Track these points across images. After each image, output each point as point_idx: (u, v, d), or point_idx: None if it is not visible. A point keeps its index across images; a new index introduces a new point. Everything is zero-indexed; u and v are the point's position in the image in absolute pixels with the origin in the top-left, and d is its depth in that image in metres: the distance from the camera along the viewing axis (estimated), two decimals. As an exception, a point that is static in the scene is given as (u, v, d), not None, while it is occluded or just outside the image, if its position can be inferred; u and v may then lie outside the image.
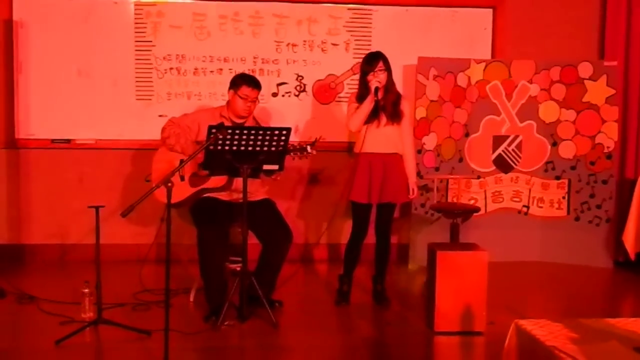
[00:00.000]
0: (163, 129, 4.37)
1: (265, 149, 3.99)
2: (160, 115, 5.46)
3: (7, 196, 5.54)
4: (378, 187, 4.34)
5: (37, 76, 5.48)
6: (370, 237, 4.50)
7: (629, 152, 5.77)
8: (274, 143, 3.99)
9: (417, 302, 4.55)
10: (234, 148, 3.94)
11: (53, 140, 5.53)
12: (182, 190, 4.26)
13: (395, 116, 4.37)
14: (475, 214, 4.87)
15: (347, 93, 5.59)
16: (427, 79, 5.45)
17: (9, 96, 5.46)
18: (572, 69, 5.62)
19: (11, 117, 5.47)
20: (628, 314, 4.56)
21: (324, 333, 4.04)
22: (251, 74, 4.83)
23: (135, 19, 5.53)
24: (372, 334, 4.12)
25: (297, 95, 5.72)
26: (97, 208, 3.76)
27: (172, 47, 5.57)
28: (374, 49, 4.98)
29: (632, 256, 5.37)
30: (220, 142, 3.89)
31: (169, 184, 3.20)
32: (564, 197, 5.75)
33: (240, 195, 4.06)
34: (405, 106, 4.44)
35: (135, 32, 5.53)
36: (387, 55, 4.37)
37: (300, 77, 5.70)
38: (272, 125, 5.16)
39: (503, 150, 5.76)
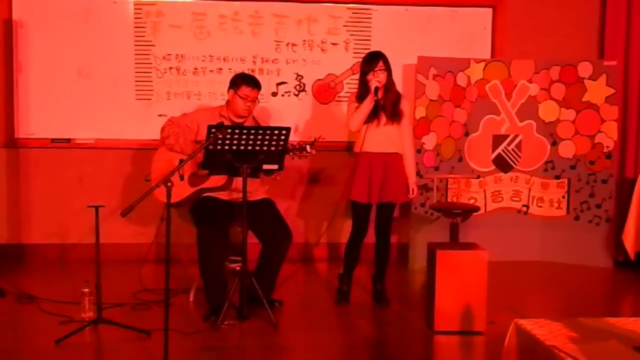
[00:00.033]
0: (162, 129, 4.37)
1: (265, 148, 3.99)
2: (160, 115, 5.46)
3: (7, 196, 5.54)
4: (378, 186, 4.34)
5: (37, 76, 5.48)
6: (370, 237, 4.50)
7: (629, 151, 5.77)
8: (274, 143, 3.99)
9: (417, 302, 4.56)
10: (234, 148, 3.94)
11: (53, 140, 5.53)
12: (182, 190, 4.26)
13: (395, 116, 4.37)
14: (474, 214, 4.87)
15: (346, 93, 5.59)
16: (427, 78, 5.45)
17: (9, 96, 5.46)
18: (571, 68, 5.62)
19: (11, 117, 5.47)
20: (628, 314, 4.56)
21: (324, 332, 4.04)
22: (251, 73, 4.84)
23: (135, 18, 5.53)
24: (372, 334, 4.12)
25: (296, 95, 5.72)
26: (96, 208, 3.76)
27: (171, 46, 5.57)
28: (373, 48, 4.99)
29: (631, 256, 5.38)
30: (219, 141, 3.89)
31: (169, 184, 3.20)
32: (563, 197, 5.76)
33: (240, 195, 4.05)
34: (405, 106, 4.44)
35: (135, 32, 5.53)
36: (387, 55, 4.37)
37: (300, 77, 5.70)
38: (272, 124, 5.15)
39: (503, 150, 5.76)
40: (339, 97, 5.73)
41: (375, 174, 4.34)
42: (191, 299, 4.52)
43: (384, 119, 4.35)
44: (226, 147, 3.93)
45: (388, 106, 4.36)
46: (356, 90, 4.49)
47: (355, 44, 5.70)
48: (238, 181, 4.18)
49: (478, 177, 5.73)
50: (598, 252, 5.65)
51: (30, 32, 5.45)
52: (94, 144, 5.56)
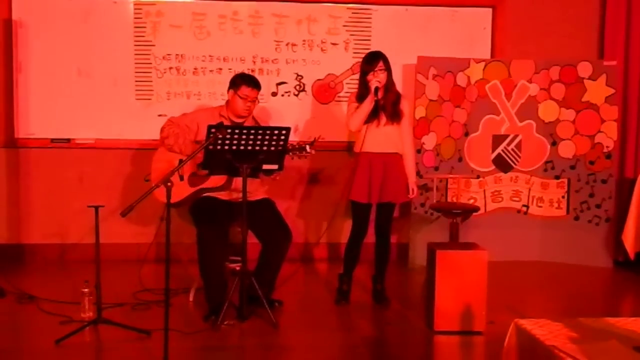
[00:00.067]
0: (162, 129, 4.37)
1: (265, 148, 3.99)
2: (159, 115, 5.46)
3: (6, 196, 5.54)
4: (378, 186, 4.34)
5: (37, 76, 5.48)
6: (370, 237, 4.51)
7: (629, 151, 5.77)
8: (274, 143, 3.99)
9: (417, 302, 4.55)
10: (234, 148, 3.94)
11: (53, 140, 5.53)
12: (182, 190, 4.26)
13: (395, 116, 4.37)
14: (474, 214, 4.87)
15: (346, 93, 5.59)
16: (427, 78, 5.45)
17: (9, 96, 5.46)
18: (571, 68, 5.62)
19: (11, 117, 5.47)
20: (628, 314, 4.56)
21: (324, 332, 4.04)
22: (251, 73, 4.84)
23: (135, 18, 5.53)
24: (371, 334, 4.13)
25: (296, 95, 5.72)
26: (96, 208, 3.76)
27: (171, 46, 5.57)
28: (373, 48, 4.99)
29: (631, 256, 5.38)
30: (219, 141, 3.89)
31: (169, 184, 3.20)
32: (563, 197, 5.76)
33: (240, 195, 4.05)
34: (405, 106, 4.44)
35: (135, 32, 5.53)
36: (387, 55, 4.37)
37: (300, 77, 5.70)
38: (272, 125, 5.16)
39: (502, 150, 5.76)
40: (339, 97, 5.73)
41: (375, 174, 4.34)
42: (191, 299, 4.52)
43: (384, 119, 4.35)
44: (226, 147, 3.93)
45: (388, 106, 4.36)
46: (356, 90, 4.49)
47: (355, 44, 5.70)
48: (238, 181, 4.18)
49: (478, 177, 5.73)
50: (598, 252, 5.65)
51: (30, 32, 5.45)
52: (93, 144, 5.56)
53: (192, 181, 4.30)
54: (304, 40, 5.68)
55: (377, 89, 4.27)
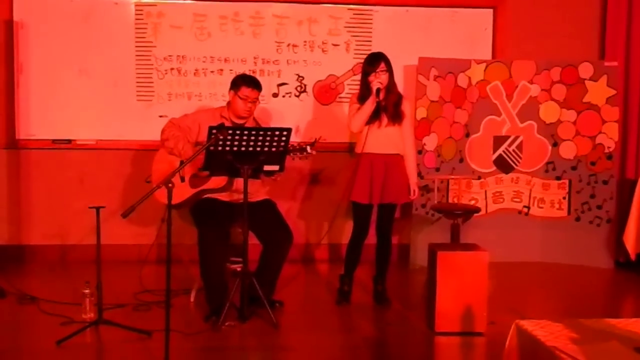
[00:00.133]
0: (162, 131, 4.37)
1: (266, 149, 3.99)
2: (160, 116, 5.46)
3: (7, 196, 5.55)
4: (379, 187, 4.34)
5: (38, 77, 5.49)
6: (371, 238, 4.50)
7: (630, 152, 5.77)
8: (275, 143, 3.99)
9: (418, 303, 4.55)
10: (235, 149, 3.94)
11: (54, 141, 5.53)
12: (183, 191, 4.26)
13: (396, 117, 4.37)
14: (475, 215, 4.86)
15: (347, 93, 5.59)
16: (428, 79, 5.45)
17: (10, 97, 5.46)
18: (572, 69, 5.62)
19: (12, 118, 5.47)
20: (629, 315, 4.56)
21: (325, 333, 4.04)
22: (252, 74, 4.83)
23: (136, 19, 5.53)
24: (372, 334, 4.12)
25: (297, 96, 5.72)
26: (97, 208, 3.76)
27: (172, 47, 5.58)
28: (374, 49, 4.98)
29: (632, 256, 5.38)
30: (220, 142, 3.89)
31: (170, 185, 3.20)
32: (564, 198, 5.75)
33: (241, 196, 4.05)
34: (406, 107, 4.44)
35: (136, 33, 5.54)
36: (388, 56, 4.37)
37: (301, 78, 5.70)
38: (273, 125, 5.16)
39: (503, 151, 5.76)
40: (340, 98, 5.73)
41: (377, 174, 4.34)
42: (192, 299, 4.52)
43: (385, 120, 4.35)
44: (227, 148, 3.93)
45: (389, 107, 4.37)
46: (357, 91, 4.49)
47: (356, 45, 5.71)
48: (239, 182, 4.18)
49: (479, 178, 5.73)
50: (599, 253, 5.65)
51: (31, 33, 5.45)
52: (94, 145, 5.57)
53: (193, 182, 4.30)
54: (304, 41, 5.68)
55: (378, 90, 4.27)
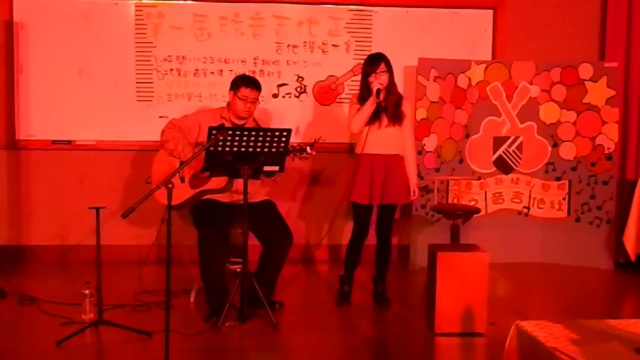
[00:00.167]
0: (163, 132, 4.37)
1: (266, 150, 3.99)
2: (160, 117, 5.46)
3: (7, 197, 5.55)
4: (379, 188, 4.34)
5: (38, 77, 5.49)
6: (371, 238, 4.50)
7: (630, 153, 5.77)
8: (275, 144, 3.99)
9: (418, 303, 4.55)
10: (235, 149, 3.94)
11: (53, 141, 5.54)
12: (183, 192, 4.26)
13: (396, 117, 4.37)
14: (475, 215, 4.85)
15: (347, 94, 5.59)
16: (428, 80, 5.45)
17: (10, 97, 5.46)
18: (572, 70, 5.62)
19: (12, 118, 5.48)
20: (629, 315, 4.56)
21: (325, 334, 4.04)
22: (252, 75, 4.84)
23: (136, 20, 5.53)
24: (372, 335, 4.12)
25: (297, 97, 5.72)
26: (97, 209, 3.76)
27: (172, 48, 5.58)
28: (374, 50, 4.99)
29: (632, 257, 5.38)
30: (220, 143, 3.89)
31: (170, 186, 3.20)
32: (564, 198, 5.75)
33: (241, 197, 4.05)
34: (406, 107, 4.44)
35: (136, 33, 5.54)
36: (388, 56, 4.37)
37: (301, 78, 5.70)
38: (273, 126, 5.17)
39: (503, 152, 5.76)
40: (340, 98, 5.73)
41: (377, 175, 4.34)
42: (192, 300, 4.52)
43: (385, 120, 4.35)
44: (227, 149, 3.93)
45: (390, 108, 4.37)
46: (357, 91, 4.50)
47: (356, 45, 5.71)
48: (239, 183, 4.19)
49: (479, 178, 5.73)
50: (599, 254, 5.65)
51: (31, 34, 5.45)
52: (94, 146, 5.57)
53: (193, 183, 4.30)
54: (304, 42, 5.68)
55: (378, 90, 4.27)
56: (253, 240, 4.19)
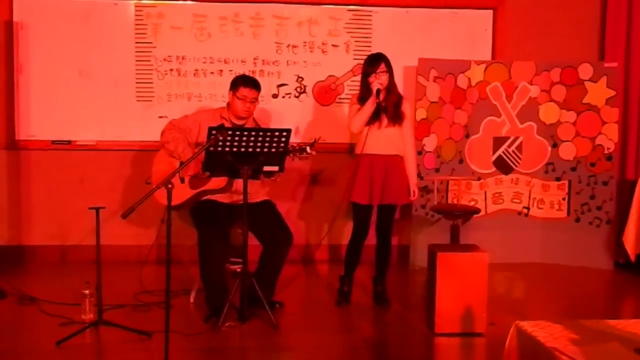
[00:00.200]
0: (163, 133, 4.36)
1: (266, 150, 3.99)
2: (160, 117, 5.46)
3: (7, 197, 5.54)
4: (379, 188, 4.34)
5: (38, 77, 5.49)
6: (371, 238, 4.50)
7: (629, 153, 5.77)
8: (274, 144, 3.99)
9: (418, 303, 4.55)
10: (234, 149, 3.94)
11: (53, 142, 5.53)
12: (182, 192, 4.26)
13: (396, 118, 4.37)
14: (475, 215, 4.85)
15: (347, 94, 5.59)
16: (428, 80, 5.45)
17: (10, 97, 5.46)
18: (572, 70, 5.62)
19: (11, 118, 5.47)
20: (629, 316, 4.56)
21: (325, 334, 4.04)
22: (251, 75, 4.84)
23: (136, 20, 5.53)
24: (372, 335, 4.12)
25: (297, 97, 5.72)
26: (97, 209, 3.76)
27: (172, 48, 5.58)
28: (374, 50, 4.99)
29: (632, 257, 5.38)
30: (220, 143, 3.89)
31: (169, 186, 3.20)
32: (564, 199, 5.75)
33: (241, 197, 4.05)
34: (406, 108, 4.44)
35: (136, 34, 5.54)
36: (388, 57, 4.37)
37: (301, 79, 5.70)
38: (272, 126, 5.17)
39: (503, 152, 5.76)
40: (340, 99, 5.73)
41: (377, 175, 4.34)
42: (192, 300, 4.52)
43: (385, 120, 4.35)
44: (227, 149, 3.93)
45: (390, 108, 4.37)
46: (357, 92, 4.50)
47: (356, 45, 5.71)
48: (238, 183, 4.18)
49: (479, 179, 5.73)
50: (599, 254, 5.65)
51: (30, 34, 5.45)
52: (94, 146, 5.57)
53: (193, 183, 4.30)
54: (304, 42, 5.68)
55: (378, 90, 4.27)
56: (253, 240, 4.19)
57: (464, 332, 3.91)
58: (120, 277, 4.98)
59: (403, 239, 5.75)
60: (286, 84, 5.70)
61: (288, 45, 5.67)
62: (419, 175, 5.11)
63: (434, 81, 5.48)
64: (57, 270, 5.39)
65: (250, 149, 3.96)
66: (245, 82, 4.35)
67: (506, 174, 5.78)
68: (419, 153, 5.33)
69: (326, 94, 5.75)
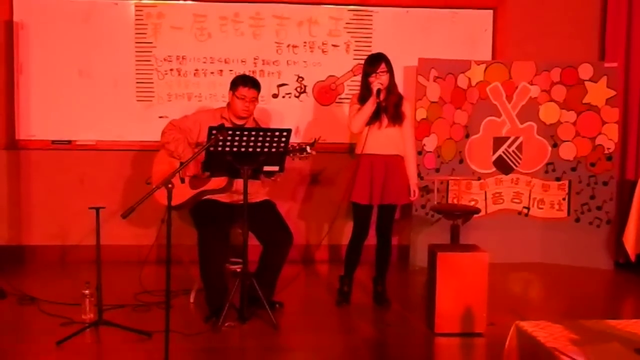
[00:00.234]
0: (163, 133, 4.36)
1: (266, 150, 3.99)
2: (160, 117, 5.46)
3: (7, 197, 5.55)
4: (379, 188, 4.34)
5: (38, 77, 5.49)
6: (371, 238, 4.50)
7: (630, 153, 5.77)
8: (275, 144, 3.99)
9: (418, 303, 4.55)
10: (235, 149, 3.94)
11: (53, 141, 5.53)
12: (183, 192, 4.26)
13: (396, 118, 4.37)
14: (475, 215, 4.85)
15: (347, 94, 5.59)
16: (428, 80, 5.45)
17: (10, 97, 5.46)
18: (572, 70, 5.62)
19: (12, 118, 5.48)
20: (629, 316, 4.56)
21: (325, 334, 4.04)
22: (251, 75, 4.83)
23: (136, 20, 5.53)
24: (372, 335, 4.12)
25: (297, 97, 5.72)
26: (97, 209, 3.77)
27: (172, 48, 5.58)
28: (374, 50, 4.99)
29: (632, 257, 5.38)
30: (220, 143, 3.89)
31: (170, 186, 3.20)
32: (564, 199, 5.75)
33: (241, 197, 4.05)
34: (406, 108, 4.44)
35: (136, 33, 5.54)
36: (388, 57, 4.37)
37: (301, 79, 5.70)
38: (273, 126, 5.17)
39: (503, 152, 5.76)
40: (340, 98, 5.73)
41: (377, 175, 4.34)
42: (192, 300, 4.52)
43: (385, 120, 4.35)
44: (227, 149, 3.93)
45: (390, 108, 4.37)
46: (358, 91, 4.50)
47: (356, 45, 5.71)
48: (239, 183, 4.18)
49: (479, 179, 5.73)
50: (599, 254, 5.65)
51: (31, 34, 5.45)
52: (94, 146, 5.57)
53: (193, 183, 4.30)
54: (304, 42, 5.68)
55: (379, 90, 4.27)
56: (253, 240, 4.19)
57: (464, 332, 3.91)
58: (120, 277, 4.98)
59: (403, 239, 5.75)
60: (286, 84, 5.70)
61: (288, 45, 5.67)
62: (419, 175, 5.11)
63: (434, 81, 5.48)
64: (57, 270, 5.39)
65: (250, 149, 3.96)
66: (244, 82, 4.35)
67: (506, 174, 5.78)
68: (419, 153, 5.33)
69: (326, 94, 5.75)
